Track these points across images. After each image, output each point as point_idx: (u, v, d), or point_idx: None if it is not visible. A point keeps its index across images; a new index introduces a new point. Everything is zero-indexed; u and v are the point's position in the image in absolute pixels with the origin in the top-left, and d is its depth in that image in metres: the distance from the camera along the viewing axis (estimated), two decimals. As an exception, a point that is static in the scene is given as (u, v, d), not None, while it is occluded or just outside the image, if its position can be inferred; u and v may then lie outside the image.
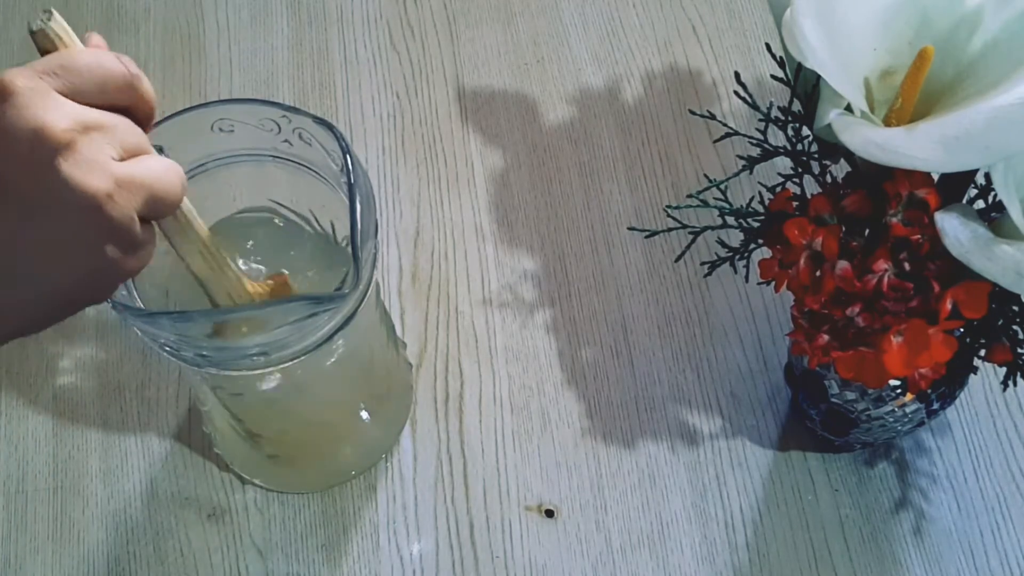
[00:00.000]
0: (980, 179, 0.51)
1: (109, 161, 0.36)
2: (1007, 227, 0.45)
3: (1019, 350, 0.50)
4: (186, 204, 0.43)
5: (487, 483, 0.63)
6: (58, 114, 0.35)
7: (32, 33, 0.38)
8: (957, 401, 0.63)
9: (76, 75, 0.37)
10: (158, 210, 0.39)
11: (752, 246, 0.55)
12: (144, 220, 0.38)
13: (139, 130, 0.39)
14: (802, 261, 0.48)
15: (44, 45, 0.39)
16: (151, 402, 0.65)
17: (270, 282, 0.50)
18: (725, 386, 0.66)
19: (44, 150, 0.35)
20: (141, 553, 0.61)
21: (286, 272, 0.52)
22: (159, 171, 0.38)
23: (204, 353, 0.47)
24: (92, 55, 0.38)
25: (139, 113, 0.39)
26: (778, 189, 0.54)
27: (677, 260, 0.65)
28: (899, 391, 0.56)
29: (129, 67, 0.38)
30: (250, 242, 0.55)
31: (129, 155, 0.38)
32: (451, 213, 0.72)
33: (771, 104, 0.54)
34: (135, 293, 0.49)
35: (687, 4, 0.80)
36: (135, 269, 0.39)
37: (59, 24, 0.39)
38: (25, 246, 0.36)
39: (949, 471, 0.63)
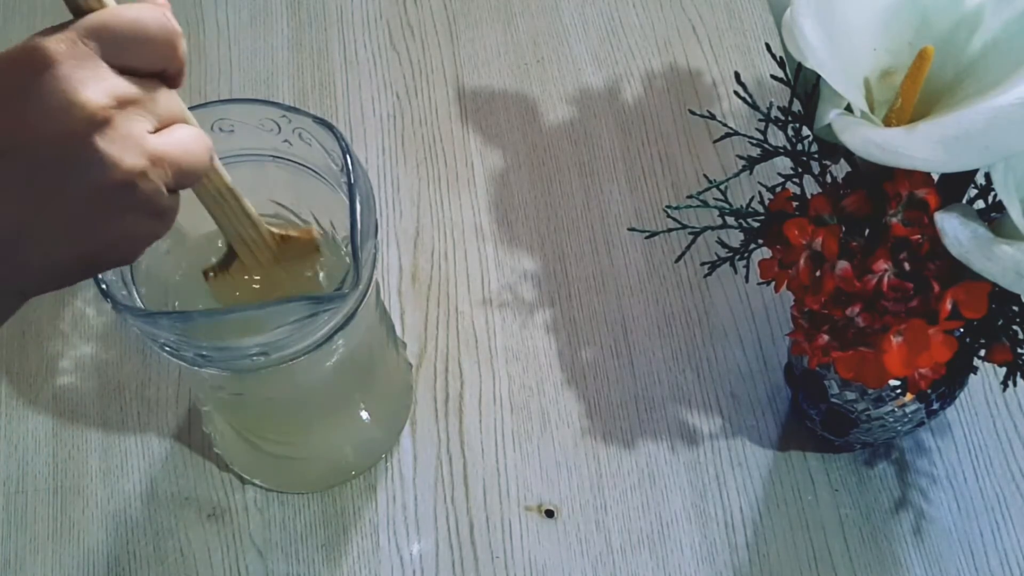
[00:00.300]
0: (980, 179, 0.51)
1: (144, 136, 0.37)
2: (1007, 227, 0.45)
3: (1019, 350, 0.50)
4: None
5: (487, 483, 0.63)
6: (97, 89, 0.35)
7: None
8: (957, 401, 0.63)
9: (117, 36, 0.36)
10: (187, 181, 0.39)
11: (752, 246, 0.55)
12: (171, 190, 0.38)
13: (174, 97, 0.39)
14: (802, 261, 0.48)
15: (80, 6, 0.37)
16: (151, 402, 0.65)
17: (294, 232, 0.50)
18: (725, 386, 0.66)
19: (80, 125, 0.35)
20: (141, 553, 0.61)
21: (314, 227, 0.51)
22: (189, 143, 0.38)
23: (204, 353, 0.47)
24: (134, 13, 0.37)
25: (172, 70, 0.39)
26: (778, 189, 0.54)
27: (677, 260, 0.65)
28: (899, 391, 0.56)
29: (171, 21, 0.38)
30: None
31: (164, 124, 0.38)
32: (451, 213, 0.72)
33: (771, 104, 0.54)
34: (135, 293, 0.49)
35: (687, 4, 0.80)
36: (160, 234, 0.39)
37: None
38: (55, 212, 0.36)
39: (949, 471, 0.63)
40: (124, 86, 0.36)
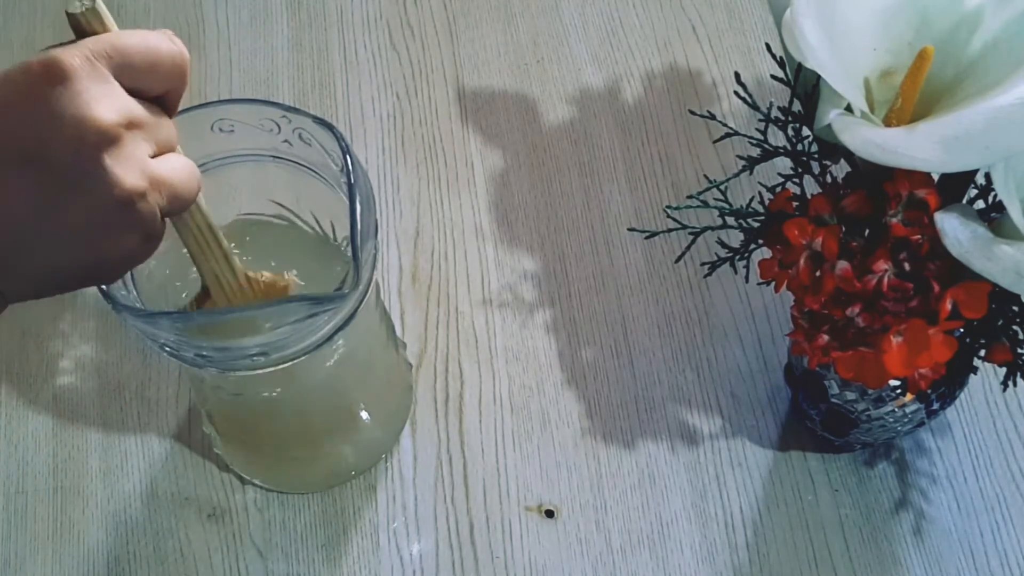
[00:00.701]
0: (980, 179, 0.51)
1: (146, 159, 0.38)
2: (1007, 227, 0.45)
3: (1019, 350, 0.50)
4: None
5: (487, 483, 0.63)
6: (109, 106, 0.36)
7: (70, 15, 0.38)
8: (957, 401, 0.63)
9: (127, 58, 0.37)
10: (177, 208, 0.40)
11: (752, 246, 0.55)
12: (163, 215, 0.40)
13: (172, 127, 0.40)
14: (802, 261, 0.48)
15: (83, 28, 0.38)
16: (151, 402, 0.65)
17: (268, 277, 0.50)
18: (725, 386, 0.66)
19: (90, 139, 0.36)
20: (141, 553, 0.61)
21: (292, 276, 0.52)
22: (183, 172, 0.40)
23: (204, 353, 0.47)
24: (142, 36, 0.38)
25: (174, 95, 0.40)
26: (778, 189, 0.54)
27: (677, 261, 0.65)
28: (899, 391, 0.56)
29: (180, 48, 0.39)
30: (247, 238, 0.55)
31: (161, 151, 0.39)
32: (451, 213, 0.72)
33: (771, 104, 0.54)
34: (135, 293, 0.49)
35: (687, 4, 0.80)
36: (145, 258, 0.41)
37: (101, 9, 0.38)
38: (57, 222, 0.37)
39: (949, 471, 0.63)
40: (134, 107, 0.38)
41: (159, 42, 0.39)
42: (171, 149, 0.40)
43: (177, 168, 0.40)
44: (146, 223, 0.38)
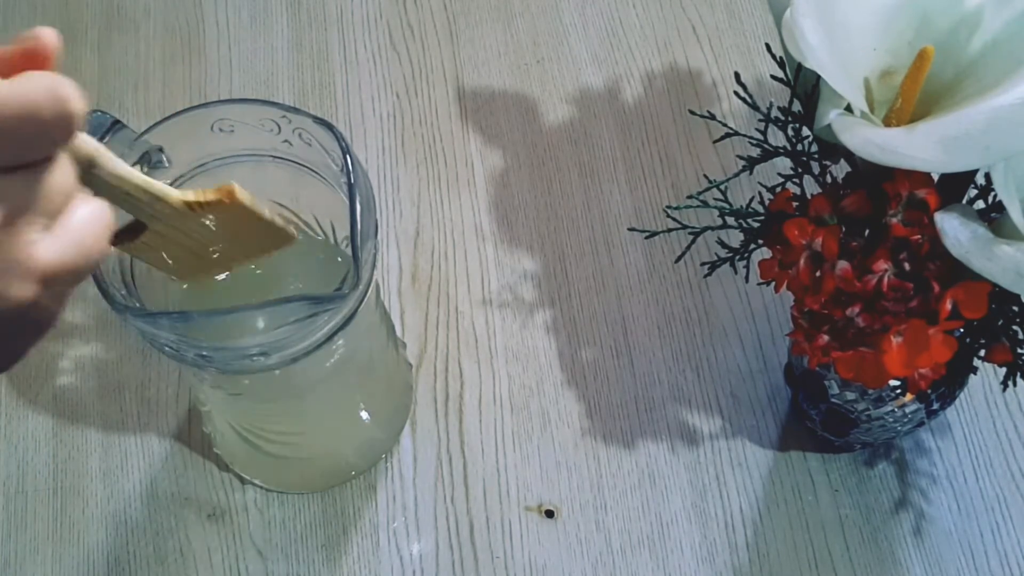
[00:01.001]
0: (980, 179, 0.51)
1: (31, 257, 0.31)
2: (1007, 227, 0.45)
3: (1019, 350, 0.50)
4: (97, 153, 0.36)
5: (487, 483, 0.63)
6: None
7: None
8: (957, 401, 0.63)
9: (2, 134, 0.29)
10: (82, 279, 0.34)
11: (752, 246, 0.55)
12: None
13: (66, 172, 0.32)
14: (802, 261, 0.48)
15: None
16: (151, 402, 0.65)
17: (209, 195, 0.44)
18: (725, 386, 0.66)
19: None
20: (141, 553, 0.61)
21: (233, 182, 0.45)
22: (84, 235, 0.32)
23: (204, 353, 0.47)
24: (18, 96, 0.29)
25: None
26: (778, 189, 0.54)
27: (677, 261, 0.65)
28: (899, 391, 0.56)
29: (65, 101, 0.30)
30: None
31: (57, 211, 0.32)
32: (451, 213, 0.72)
33: (771, 104, 0.54)
34: (135, 293, 0.49)
35: (687, 4, 0.80)
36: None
37: None
38: None
39: (949, 471, 0.63)
40: (6, 200, 0.30)
41: (40, 100, 0.30)
42: (69, 198, 0.32)
43: (76, 236, 0.32)
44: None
